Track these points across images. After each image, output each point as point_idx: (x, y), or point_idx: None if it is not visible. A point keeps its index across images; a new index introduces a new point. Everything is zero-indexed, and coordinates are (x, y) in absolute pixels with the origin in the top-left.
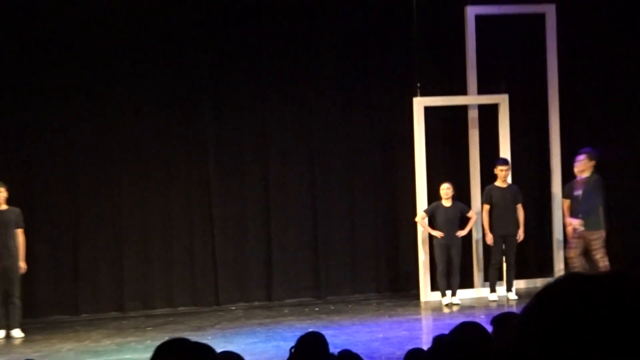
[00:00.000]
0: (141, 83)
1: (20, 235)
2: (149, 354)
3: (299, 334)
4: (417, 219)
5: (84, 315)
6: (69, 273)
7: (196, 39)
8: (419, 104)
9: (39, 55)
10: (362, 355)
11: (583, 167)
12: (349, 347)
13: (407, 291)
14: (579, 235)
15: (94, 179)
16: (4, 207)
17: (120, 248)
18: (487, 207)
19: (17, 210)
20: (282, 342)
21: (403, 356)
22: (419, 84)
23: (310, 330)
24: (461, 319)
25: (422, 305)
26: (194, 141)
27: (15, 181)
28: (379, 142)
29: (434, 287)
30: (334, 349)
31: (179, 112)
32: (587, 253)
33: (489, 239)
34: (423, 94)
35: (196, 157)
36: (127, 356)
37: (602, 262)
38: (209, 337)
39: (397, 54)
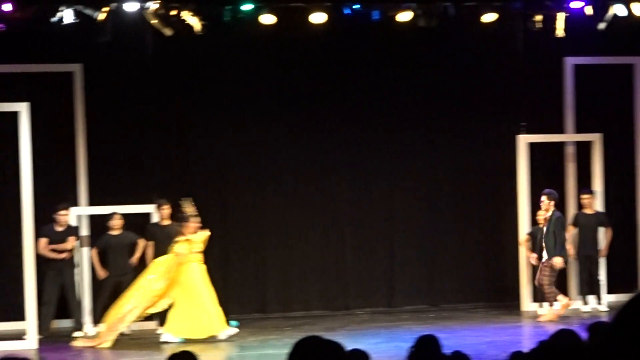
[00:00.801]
0: (285, 111)
1: None
2: (287, 350)
3: (416, 336)
4: (521, 240)
5: (232, 315)
6: (219, 280)
7: (335, 80)
8: (523, 140)
9: (198, 91)
10: (470, 356)
11: (546, 207)
12: (459, 349)
13: (510, 302)
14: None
15: (242, 199)
16: (167, 222)
17: (263, 258)
18: (572, 229)
19: (178, 225)
20: (401, 343)
21: (506, 358)
22: (523, 123)
23: (426, 333)
24: (558, 327)
25: (523, 314)
26: (328, 166)
27: (177, 199)
28: (488, 172)
29: (533, 299)
30: (446, 350)
31: (316, 137)
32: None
33: (572, 255)
34: (526, 132)
35: (330, 180)
36: (269, 351)
37: (548, 289)
38: (339, 337)
39: (505, 97)
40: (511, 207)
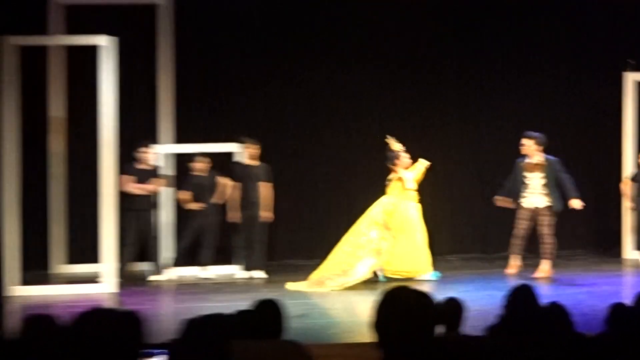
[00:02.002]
0: (382, 56)
1: (265, 188)
2: (375, 298)
3: (511, 284)
4: (621, 185)
5: (317, 260)
6: (306, 222)
7: (433, 22)
8: (630, 78)
9: (277, 30)
10: (568, 306)
11: (528, 151)
12: (555, 299)
13: (611, 249)
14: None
15: (331, 142)
16: (255, 162)
17: (349, 201)
18: None
19: (265, 166)
20: (494, 292)
21: (605, 309)
22: (631, 60)
23: (522, 282)
24: None
25: (624, 262)
26: (419, 106)
27: (268, 141)
28: (591, 111)
29: (636, 246)
30: (542, 301)
31: (410, 84)
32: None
33: None
34: (633, 69)
35: (418, 120)
36: (355, 297)
37: (549, 239)
38: (430, 283)
39: (611, 32)
40: (615, 149)
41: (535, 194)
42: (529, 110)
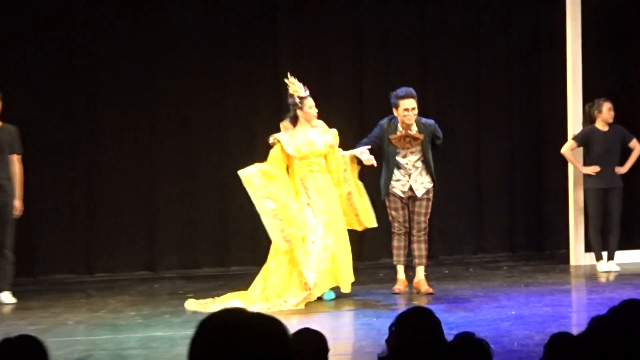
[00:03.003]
0: None
1: (16, 163)
2: (188, 331)
3: (399, 309)
4: (563, 150)
5: (100, 275)
6: (81, 218)
7: None
8: None
9: None
10: (487, 339)
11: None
12: (468, 329)
13: (552, 251)
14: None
15: (122, 92)
16: None
17: (152, 186)
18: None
19: (12, 129)
20: (374, 319)
21: (544, 342)
22: None
23: (415, 304)
24: (626, 293)
25: (572, 271)
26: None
27: (13, 90)
28: (518, 45)
29: (588, 247)
30: (448, 331)
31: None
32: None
33: None
34: None
35: (267, 68)
36: (158, 333)
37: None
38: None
39: None
40: (555, 100)
41: (411, 175)
42: (437, 47)
